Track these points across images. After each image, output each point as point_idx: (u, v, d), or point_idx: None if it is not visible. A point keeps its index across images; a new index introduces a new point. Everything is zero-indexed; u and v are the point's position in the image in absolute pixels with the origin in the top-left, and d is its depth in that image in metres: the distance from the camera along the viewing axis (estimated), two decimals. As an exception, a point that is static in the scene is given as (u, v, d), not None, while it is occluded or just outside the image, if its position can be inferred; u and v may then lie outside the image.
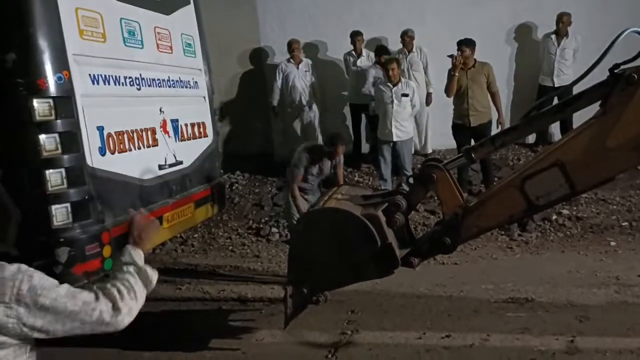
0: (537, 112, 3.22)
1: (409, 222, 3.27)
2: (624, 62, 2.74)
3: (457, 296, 4.69)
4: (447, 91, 6.68)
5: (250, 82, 8.64)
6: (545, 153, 3.02)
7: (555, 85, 7.44)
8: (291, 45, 7.76)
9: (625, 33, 2.70)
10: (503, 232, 6.20)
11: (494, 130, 6.37)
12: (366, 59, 7.87)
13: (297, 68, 7.83)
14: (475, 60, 6.60)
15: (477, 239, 5.98)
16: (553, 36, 7.62)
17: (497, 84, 6.77)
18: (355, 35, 7.76)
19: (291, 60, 7.83)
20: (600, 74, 2.79)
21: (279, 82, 7.91)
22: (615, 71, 2.76)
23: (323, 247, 3.14)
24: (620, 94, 2.68)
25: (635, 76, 2.62)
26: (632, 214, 6.42)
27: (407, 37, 7.70)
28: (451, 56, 6.48)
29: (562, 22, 7.47)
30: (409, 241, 3.26)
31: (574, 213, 6.45)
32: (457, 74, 6.50)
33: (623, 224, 6.22)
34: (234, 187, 7.76)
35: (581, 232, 6.14)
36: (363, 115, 8.11)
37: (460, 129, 6.70)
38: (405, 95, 6.67)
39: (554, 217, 6.35)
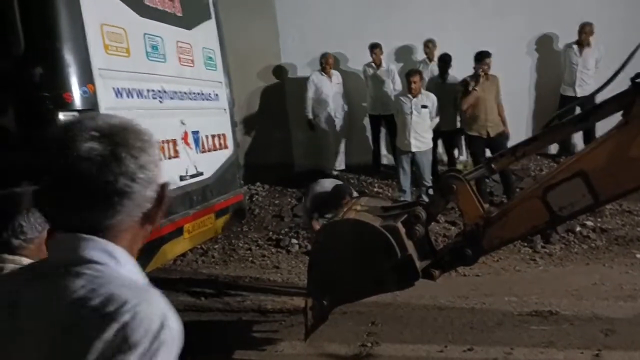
0: (559, 122, 3.20)
1: (429, 234, 3.25)
2: None
3: (480, 308, 4.63)
4: (466, 104, 6.68)
5: (271, 94, 8.72)
6: (567, 163, 2.99)
7: (578, 95, 7.36)
8: (325, 58, 7.82)
9: None
10: (526, 244, 6.11)
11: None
12: (386, 70, 7.89)
13: (330, 80, 7.88)
14: (487, 72, 6.65)
15: (499, 251, 5.92)
16: (575, 46, 7.55)
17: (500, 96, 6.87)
18: (373, 48, 7.80)
19: (323, 72, 7.88)
20: (623, 84, 2.76)
21: (310, 94, 7.91)
22: (637, 80, 2.73)
23: (343, 259, 3.14)
24: None
25: None
26: (658, 225, 6.29)
27: (430, 45, 7.73)
28: (478, 73, 6.55)
29: (585, 32, 7.40)
30: (430, 253, 3.24)
31: (599, 225, 6.33)
32: (477, 90, 6.52)
33: (649, 235, 6.09)
34: (254, 199, 7.80)
35: (606, 244, 6.01)
36: (382, 127, 8.14)
37: (476, 141, 6.72)
38: (425, 106, 6.67)
39: (578, 228, 6.24)
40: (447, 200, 3.17)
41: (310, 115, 7.99)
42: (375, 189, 7.79)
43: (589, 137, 6.48)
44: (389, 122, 7.62)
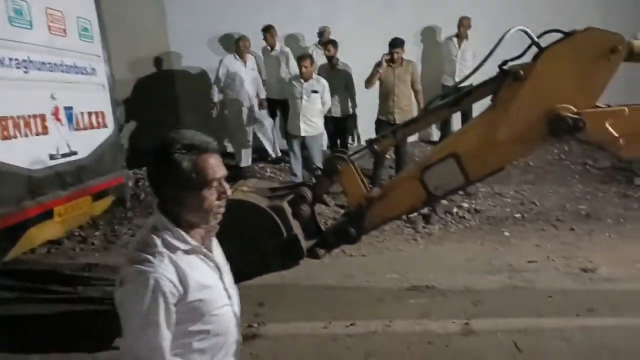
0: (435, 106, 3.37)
1: (315, 214, 3.28)
2: (512, 59, 2.93)
3: (364, 286, 4.79)
4: (368, 83, 6.89)
5: (160, 75, 8.35)
6: (442, 145, 3.16)
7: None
8: (242, 41, 7.51)
9: (512, 31, 2.87)
10: (409, 225, 6.42)
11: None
12: (279, 53, 7.85)
13: (245, 65, 7.58)
14: (402, 59, 6.81)
15: (384, 232, 6.19)
16: (455, 39, 8.02)
17: (419, 83, 7.03)
18: (266, 30, 7.73)
19: (237, 56, 7.56)
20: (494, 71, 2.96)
21: (221, 76, 7.54)
22: (504, 67, 2.94)
23: (229, 240, 3.07)
24: (508, 89, 2.85)
25: (522, 72, 2.80)
26: (524, 206, 6.89)
27: (326, 33, 7.81)
28: (388, 55, 6.73)
29: (463, 25, 7.88)
30: (316, 232, 3.28)
31: (473, 206, 6.80)
32: (380, 72, 6.72)
33: (516, 215, 6.65)
34: (139, 183, 7.44)
35: (479, 223, 6.48)
36: (277, 111, 8.10)
37: (382, 125, 6.83)
38: (315, 91, 6.72)
39: (455, 210, 6.66)
40: (332, 180, 3.22)
41: (216, 99, 7.64)
42: (268, 174, 7.76)
43: (466, 121, 6.92)
44: (284, 106, 7.58)
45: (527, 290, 4.54)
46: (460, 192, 7.05)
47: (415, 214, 6.34)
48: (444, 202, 6.67)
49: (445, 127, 7.81)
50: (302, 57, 6.74)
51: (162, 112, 8.16)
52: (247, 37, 7.63)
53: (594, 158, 8.06)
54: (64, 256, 5.97)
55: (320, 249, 3.23)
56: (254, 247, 3.06)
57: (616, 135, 2.74)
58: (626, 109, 2.74)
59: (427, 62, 8.55)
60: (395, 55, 6.73)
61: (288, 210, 3.09)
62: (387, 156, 7.22)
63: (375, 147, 3.28)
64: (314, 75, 6.82)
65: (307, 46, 8.20)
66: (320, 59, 7.73)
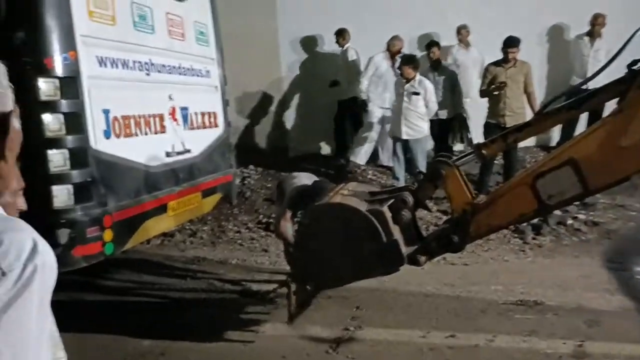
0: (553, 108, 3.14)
1: (416, 219, 3.20)
2: None
3: (465, 296, 4.59)
4: (483, 93, 6.71)
5: (267, 76, 8.62)
6: (558, 151, 2.94)
7: (590, 87, 7.29)
8: (393, 42, 7.58)
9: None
10: (516, 235, 6.07)
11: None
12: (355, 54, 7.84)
13: (393, 66, 7.54)
14: (515, 59, 6.50)
15: (489, 241, 5.91)
16: (586, 37, 7.47)
17: (533, 85, 6.65)
18: (339, 33, 7.75)
19: (387, 55, 7.60)
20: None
21: (370, 74, 7.62)
22: (634, 68, 2.67)
23: (327, 243, 3.08)
24: (637, 92, 2.59)
25: None
26: (651, 221, 6.24)
27: (463, 31, 7.70)
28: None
29: (597, 23, 7.31)
30: (417, 238, 3.19)
31: (591, 218, 6.29)
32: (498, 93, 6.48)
33: (641, 230, 6.04)
34: (245, 181, 7.74)
35: (597, 237, 5.97)
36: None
37: (494, 129, 6.42)
38: (417, 93, 6.58)
39: (570, 221, 6.20)
40: (436, 185, 3.12)
41: (365, 96, 7.67)
42: (370, 176, 7.74)
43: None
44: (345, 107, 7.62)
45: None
46: (576, 203, 6.56)
47: (524, 223, 5.99)
48: (557, 212, 6.22)
49: (567, 132, 7.28)
50: (403, 58, 6.67)
51: (267, 112, 8.45)
52: (399, 36, 7.59)
53: None
54: (175, 248, 6.36)
55: (421, 255, 3.13)
56: (353, 251, 3.04)
57: None
58: None
59: (553, 63, 8.04)
60: (510, 55, 6.41)
61: (388, 214, 3.03)
62: (496, 161, 6.89)
63: (483, 151, 3.12)
64: (417, 77, 6.69)
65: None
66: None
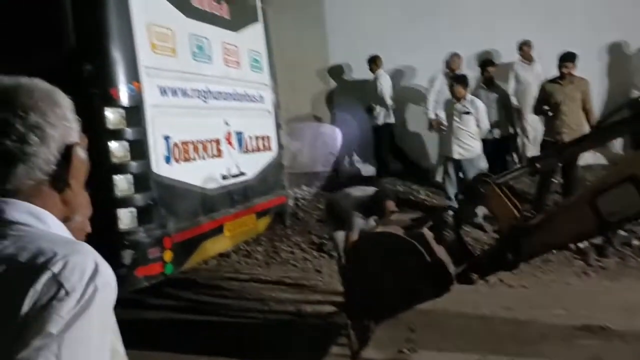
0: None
1: (462, 238, 3.16)
2: None
3: (524, 320, 4.44)
4: (535, 110, 6.62)
5: (319, 99, 8.77)
6: (619, 167, 2.85)
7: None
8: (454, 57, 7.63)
9: None
10: (579, 257, 5.84)
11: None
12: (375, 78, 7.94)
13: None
14: (572, 74, 6.36)
15: (549, 263, 5.71)
16: None
17: (591, 102, 6.48)
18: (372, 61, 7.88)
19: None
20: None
21: (434, 91, 7.73)
22: None
23: (375, 275, 3.09)
24: None
25: None
26: None
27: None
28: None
29: None
30: (466, 257, 3.15)
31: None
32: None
33: None
34: (299, 203, 7.84)
35: (666, 259, 5.67)
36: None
37: (548, 146, 6.25)
38: (468, 112, 6.52)
39: (636, 242, 5.90)
40: (476, 204, 3.10)
41: (432, 115, 7.66)
42: (422, 196, 7.67)
43: None
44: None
45: None
46: (642, 222, 6.26)
47: (586, 244, 5.76)
48: (622, 232, 5.95)
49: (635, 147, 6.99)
50: (455, 78, 6.63)
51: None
52: (459, 54, 7.62)
53: None
54: (231, 269, 6.50)
55: (473, 273, 3.09)
56: (401, 278, 3.03)
57: None
58: None
59: (612, 78, 7.78)
60: (564, 70, 6.25)
61: (429, 235, 3.03)
62: (555, 180, 6.68)
63: (537, 165, 3.06)
64: (468, 96, 6.62)
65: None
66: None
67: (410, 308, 3.33)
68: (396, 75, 8.34)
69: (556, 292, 5.13)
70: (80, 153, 0.99)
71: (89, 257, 0.88)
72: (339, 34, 8.40)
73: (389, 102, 7.90)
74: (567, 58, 6.24)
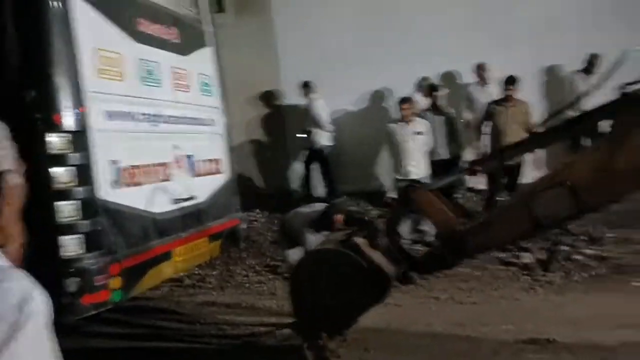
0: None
1: (398, 243, 3.23)
2: (634, 82, 2.71)
3: (475, 337, 4.53)
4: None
5: (271, 121, 8.83)
6: (554, 172, 3.00)
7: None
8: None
9: (628, 54, 2.70)
10: (525, 272, 6.03)
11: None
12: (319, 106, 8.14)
13: None
14: (514, 98, 6.65)
15: (498, 280, 5.88)
16: (581, 73, 7.66)
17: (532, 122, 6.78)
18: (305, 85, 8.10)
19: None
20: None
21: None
22: (625, 91, 2.73)
23: (319, 290, 3.14)
24: (629, 115, 2.65)
25: None
26: (660, 254, 6.19)
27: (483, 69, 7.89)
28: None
29: (593, 62, 7.53)
30: (405, 259, 3.23)
31: (599, 253, 6.25)
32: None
33: (649, 264, 5.99)
34: (252, 225, 7.80)
35: (607, 272, 5.92)
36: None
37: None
38: (419, 133, 6.73)
39: (579, 257, 6.16)
40: (408, 209, 3.20)
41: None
42: (373, 215, 7.77)
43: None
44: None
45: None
46: (584, 237, 6.54)
47: (532, 260, 5.98)
48: (565, 247, 6.21)
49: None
50: (402, 100, 6.84)
51: (273, 153, 8.59)
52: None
53: None
54: (185, 293, 6.37)
55: (413, 273, 3.18)
56: (343, 288, 3.09)
57: None
58: None
59: (550, 98, 8.20)
60: (508, 93, 6.57)
61: (363, 242, 3.11)
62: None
63: (477, 167, 3.21)
64: (415, 118, 6.86)
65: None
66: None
67: (359, 316, 3.37)
68: (349, 98, 8.50)
69: (505, 307, 5.27)
70: (14, 179, 1.00)
71: (21, 284, 0.89)
72: (291, 57, 8.51)
73: (325, 125, 8.05)
74: (509, 81, 6.55)
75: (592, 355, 4.00)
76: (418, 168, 6.78)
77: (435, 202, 3.03)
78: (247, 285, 6.50)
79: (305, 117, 8.31)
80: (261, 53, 8.43)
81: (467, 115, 7.89)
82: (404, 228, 3.37)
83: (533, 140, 3.21)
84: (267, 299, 6.02)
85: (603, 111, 2.83)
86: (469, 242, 2.96)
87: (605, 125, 2.86)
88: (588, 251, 6.25)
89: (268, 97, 8.84)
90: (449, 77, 8.33)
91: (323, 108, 8.15)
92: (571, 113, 7.39)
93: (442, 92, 7.65)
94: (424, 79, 8.05)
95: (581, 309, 5.01)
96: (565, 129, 3.07)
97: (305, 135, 8.23)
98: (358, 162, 8.51)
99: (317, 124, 8.09)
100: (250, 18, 8.53)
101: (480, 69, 7.91)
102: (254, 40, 8.36)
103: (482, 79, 7.95)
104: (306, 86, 8.18)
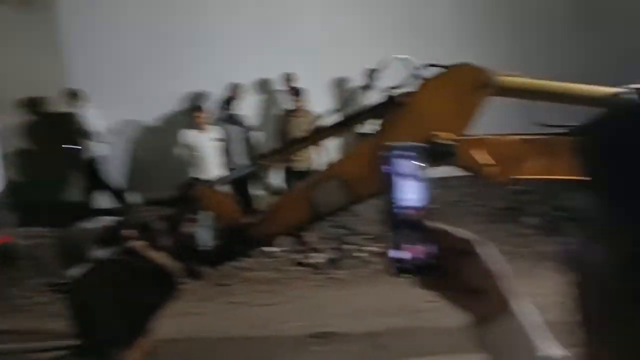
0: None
1: (182, 240, 3.25)
2: (399, 86, 3.12)
3: (271, 336, 4.74)
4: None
5: (53, 128, 8.03)
6: (329, 165, 3.31)
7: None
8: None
9: (394, 60, 3.08)
10: (318, 272, 6.47)
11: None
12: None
13: None
14: (302, 109, 7.12)
15: (294, 280, 6.22)
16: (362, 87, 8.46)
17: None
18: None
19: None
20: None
21: None
22: (390, 94, 3.13)
23: (104, 307, 2.97)
24: (391, 114, 3.04)
25: (401, 100, 3.00)
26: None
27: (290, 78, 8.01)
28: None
29: (372, 76, 8.30)
30: (193, 255, 3.26)
31: (382, 250, 6.98)
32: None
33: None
34: (35, 241, 7.03)
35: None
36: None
37: (286, 172, 7.04)
38: (220, 139, 6.89)
39: (363, 254, 6.81)
40: (191, 206, 3.27)
41: None
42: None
43: None
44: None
45: (425, 330, 4.67)
46: (370, 236, 7.23)
47: (322, 260, 6.45)
48: (351, 246, 6.82)
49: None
50: (195, 109, 7.11)
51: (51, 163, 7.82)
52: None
53: (490, 199, 8.53)
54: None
55: (200, 267, 3.23)
56: (129, 298, 2.98)
57: (480, 162, 2.94)
58: (491, 137, 2.97)
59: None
60: (296, 105, 7.07)
61: (142, 245, 3.07)
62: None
63: (261, 162, 3.43)
64: (210, 126, 7.03)
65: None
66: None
67: (151, 320, 3.27)
68: (149, 102, 8.17)
69: (299, 306, 5.59)
70: None
71: None
72: (82, 57, 7.88)
73: (97, 136, 7.69)
74: (297, 93, 7.07)
75: (365, 342, 4.47)
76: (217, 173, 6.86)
77: (220, 198, 3.13)
78: (29, 307, 5.84)
79: (77, 127, 7.75)
80: (44, 52, 7.63)
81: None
82: (197, 225, 3.36)
83: (316, 135, 3.51)
84: (54, 321, 5.48)
85: (373, 111, 3.21)
86: (254, 231, 3.11)
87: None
88: (372, 248, 6.93)
89: (34, 104, 7.88)
90: (263, 84, 8.55)
91: (95, 117, 7.67)
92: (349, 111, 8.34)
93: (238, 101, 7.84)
94: (236, 85, 8.14)
95: (361, 301, 5.56)
96: (343, 125, 3.40)
97: (74, 147, 7.67)
98: (161, 168, 8.21)
99: (86, 135, 7.64)
100: (31, 12, 7.69)
101: (287, 79, 8.26)
102: (36, 36, 7.54)
103: (290, 89, 8.27)
104: (73, 95, 7.61)
